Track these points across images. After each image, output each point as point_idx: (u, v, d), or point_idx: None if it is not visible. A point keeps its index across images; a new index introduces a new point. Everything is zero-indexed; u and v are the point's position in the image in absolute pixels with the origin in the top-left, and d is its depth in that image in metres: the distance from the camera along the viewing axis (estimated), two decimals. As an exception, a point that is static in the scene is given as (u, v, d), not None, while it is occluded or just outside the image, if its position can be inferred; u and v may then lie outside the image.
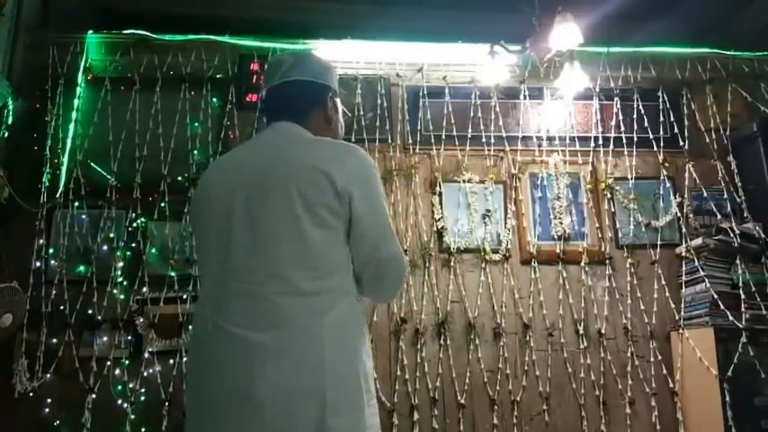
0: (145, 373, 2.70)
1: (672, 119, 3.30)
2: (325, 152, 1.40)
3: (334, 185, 1.32)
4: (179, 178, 2.98)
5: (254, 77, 3.17)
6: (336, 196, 1.33)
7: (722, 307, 2.78)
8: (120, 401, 2.66)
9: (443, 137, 3.19)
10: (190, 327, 2.74)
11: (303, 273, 1.30)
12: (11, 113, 2.82)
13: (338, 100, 1.61)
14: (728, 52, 3.43)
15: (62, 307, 2.73)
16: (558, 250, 3.07)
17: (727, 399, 2.60)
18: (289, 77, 1.52)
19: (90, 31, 3.12)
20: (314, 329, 1.28)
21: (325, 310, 1.30)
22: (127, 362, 2.71)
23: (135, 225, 2.88)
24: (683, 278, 3.02)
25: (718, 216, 3.10)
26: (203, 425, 1.29)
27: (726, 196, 3.15)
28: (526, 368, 2.90)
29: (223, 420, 1.25)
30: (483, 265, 3.02)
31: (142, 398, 2.68)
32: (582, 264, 3.06)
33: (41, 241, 2.79)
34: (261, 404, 1.22)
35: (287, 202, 1.32)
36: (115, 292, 2.79)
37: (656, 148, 3.25)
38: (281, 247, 1.31)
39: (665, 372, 2.93)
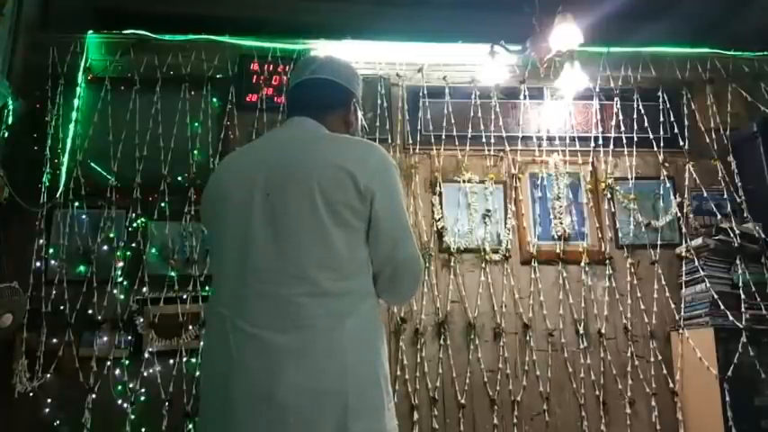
0: (145, 373, 2.70)
1: (672, 119, 3.30)
2: (347, 150, 1.38)
3: (356, 184, 1.30)
4: (179, 178, 2.98)
5: (254, 77, 3.17)
6: (358, 195, 1.30)
7: (722, 307, 2.78)
8: (120, 401, 2.66)
9: (443, 137, 3.19)
10: (190, 327, 2.75)
11: (326, 274, 1.28)
12: (11, 113, 2.82)
13: (360, 110, 1.59)
14: (728, 52, 3.43)
15: (62, 307, 2.73)
16: (558, 250, 3.07)
17: (727, 399, 2.60)
18: (317, 75, 1.51)
19: (90, 31, 3.12)
20: (336, 332, 1.25)
21: (347, 312, 1.28)
22: (127, 362, 2.70)
23: (135, 225, 2.88)
24: (683, 278, 3.02)
25: (718, 216, 3.10)
26: (222, 426, 1.26)
27: (726, 196, 3.15)
28: (526, 368, 2.90)
29: (243, 422, 1.22)
30: (483, 265, 3.02)
31: (142, 398, 2.68)
32: (582, 264, 3.06)
33: (41, 241, 2.79)
34: (283, 407, 1.20)
35: (309, 200, 1.29)
36: (115, 292, 2.79)
37: (656, 148, 3.24)
38: (303, 246, 1.29)
39: (665, 372, 2.93)
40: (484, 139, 3.21)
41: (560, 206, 3.14)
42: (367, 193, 1.31)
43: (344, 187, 1.30)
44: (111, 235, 2.86)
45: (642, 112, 3.29)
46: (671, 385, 2.93)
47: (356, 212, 1.31)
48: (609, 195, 3.18)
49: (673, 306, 3.00)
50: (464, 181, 3.12)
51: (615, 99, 3.33)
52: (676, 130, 3.29)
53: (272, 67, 3.19)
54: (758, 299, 2.82)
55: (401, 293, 1.48)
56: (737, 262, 2.90)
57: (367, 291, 1.35)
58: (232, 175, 1.44)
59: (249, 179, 1.36)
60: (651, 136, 3.27)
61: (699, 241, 2.97)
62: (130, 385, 2.68)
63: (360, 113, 1.60)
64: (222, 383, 1.27)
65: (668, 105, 3.32)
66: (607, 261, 3.08)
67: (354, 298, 1.31)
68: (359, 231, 1.33)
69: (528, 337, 2.94)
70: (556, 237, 3.09)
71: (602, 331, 2.97)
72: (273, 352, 1.23)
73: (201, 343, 2.54)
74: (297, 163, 1.35)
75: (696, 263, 2.95)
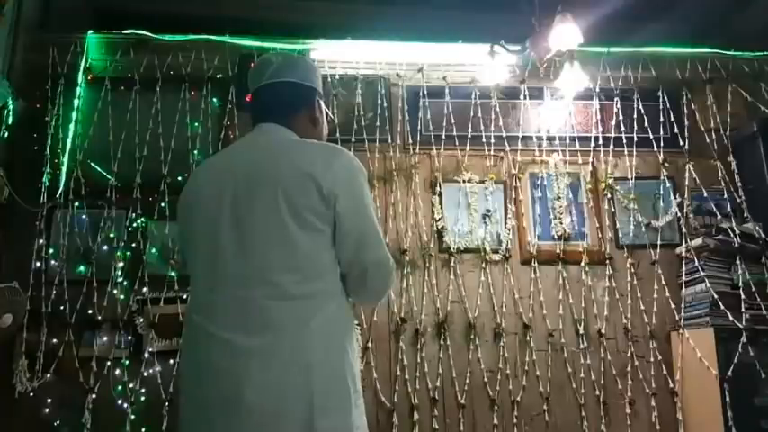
0: (145, 373, 2.70)
1: (672, 119, 3.30)
2: (311, 155, 1.39)
3: (319, 188, 1.32)
4: (179, 178, 2.97)
5: (255, 77, 3.17)
6: (322, 199, 1.32)
7: (722, 307, 2.78)
8: (120, 401, 2.66)
9: (443, 137, 3.19)
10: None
11: (291, 276, 1.30)
12: (11, 113, 2.82)
13: (323, 102, 1.61)
14: (728, 52, 3.43)
15: (62, 307, 2.73)
16: (558, 250, 3.07)
17: (727, 399, 2.60)
18: (276, 78, 1.53)
19: (90, 31, 3.11)
20: (302, 332, 1.28)
21: (312, 313, 1.30)
22: (127, 362, 2.70)
23: (135, 225, 2.88)
24: (683, 278, 3.02)
25: (718, 216, 3.10)
26: (196, 428, 1.31)
27: (726, 196, 3.15)
28: (526, 368, 2.90)
29: (215, 424, 1.26)
30: (483, 265, 3.02)
31: (142, 398, 2.68)
32: (582, 264, 3.06)
33: (41, 241, 2.79)
34: (250, 408, 1.23)
35: (273, 205, 1.32)
36: (115, 292, 2.79)
37: (656, 148, 3.24)
38: (268, 251, 1.32)
39: (665, 372, 2.93)
40: (484, 139, 3.21)
41: (560, 206, 3.14)
42: (330, 197, 1.33)
43: (308, 192, 1.32)
44: (111, 235, 2.86)
45: (642, 112, 3.29)
46: (671, 385, 2.92)
47: (320, 216, 1.33)
48: (609, 195, 3.18)
49: (673, 306, 3.00)
50: (464, 181, 3.12)
51: (615, 99, 3.33)
52: (676, 130, 3.29)
53: (272, 67, 3.19)
54: (758, 299, 2.82)
55: (371, 295, 1.50)
56: (737, 262, 2.90)
57: (334, 291, 1.37)
58: (205, 180, 1.47)
59: (219, 185, 1.40)
60: (651, 136, 3.27)
61: (699, 241, 2.97)
62: (130, 385, 2.68)
63: (324, 107, 1.61)
64: (195, 386, 1.31)
65: (668, 105, 3.32)
66: (607, 261, 3.08)
67: (320, 299, 1.33)
68: (324, 234, 1.35)
69: (528, 338, 2.94)
70: (556, 237, 3.09)
71: (602, 331, 2.97)
72: (241, 354, 1.26)
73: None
74: (263, 169, 1.38)
75: (696, 263, 2.95)
